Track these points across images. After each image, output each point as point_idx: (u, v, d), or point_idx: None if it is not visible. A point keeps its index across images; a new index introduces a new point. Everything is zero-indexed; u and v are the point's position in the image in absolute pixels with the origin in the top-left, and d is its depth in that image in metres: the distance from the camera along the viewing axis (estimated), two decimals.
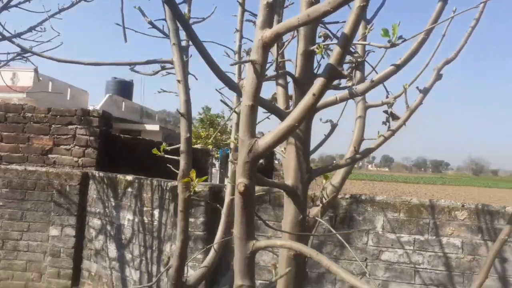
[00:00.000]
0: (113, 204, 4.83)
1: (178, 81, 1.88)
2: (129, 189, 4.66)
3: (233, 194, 2.19)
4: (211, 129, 18.92)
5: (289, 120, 1.11)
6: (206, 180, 2.40)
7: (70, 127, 5.56)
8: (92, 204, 5.12)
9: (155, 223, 4.30)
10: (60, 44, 3.67)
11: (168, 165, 1.99)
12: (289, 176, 1.49)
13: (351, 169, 1.88)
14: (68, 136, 5.55)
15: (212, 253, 2.35)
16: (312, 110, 1.16)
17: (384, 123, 1.76)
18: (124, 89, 21.65)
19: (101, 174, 5.09)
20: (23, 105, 5.75)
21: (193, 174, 1.70)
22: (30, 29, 3.73)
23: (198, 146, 12.79)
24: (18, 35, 3.59)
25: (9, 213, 5.25)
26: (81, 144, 5.52)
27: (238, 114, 2.21)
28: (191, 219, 3.84)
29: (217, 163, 14.08)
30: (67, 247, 5.07)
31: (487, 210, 3.31)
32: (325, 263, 1.02)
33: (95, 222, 5.03)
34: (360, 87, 1.51)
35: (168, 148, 1.96)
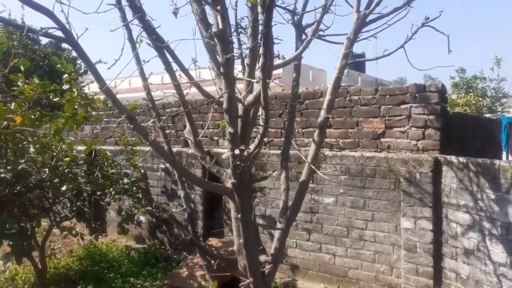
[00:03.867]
0: (492, 196, 3.91)
1: None
2: None
3: None
4: (470, 94, 16.08)
5: None
6: None
7: (403, 106, 4.93)
8: (451, 194, 4.36)
9: None
10: None
11: None
12: None
13: None
14: (402, 116, 4.95)
15: None
16: None
17: None
18: (357, 62, 21.08)
19: (462, 159, 4.25)
20: (347, 87, 5.50)
21: None
22: None
23: (488, 115, 10.81)
24: None
25: (350, 201, 5.08)
26: (419, 125, 4.82)
27: None
28: None
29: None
30: (424, 242, 4.50)
31: None
32: None
33: (459, 215, 4.26)
34: None
35: None
